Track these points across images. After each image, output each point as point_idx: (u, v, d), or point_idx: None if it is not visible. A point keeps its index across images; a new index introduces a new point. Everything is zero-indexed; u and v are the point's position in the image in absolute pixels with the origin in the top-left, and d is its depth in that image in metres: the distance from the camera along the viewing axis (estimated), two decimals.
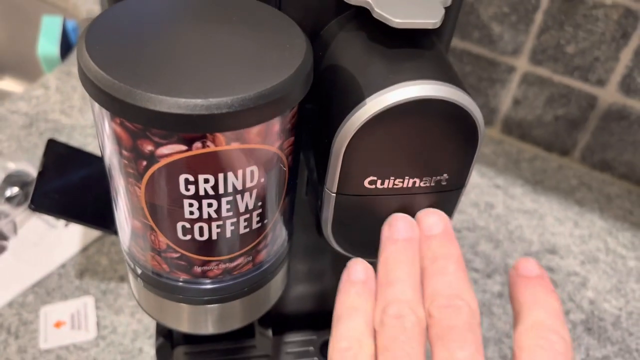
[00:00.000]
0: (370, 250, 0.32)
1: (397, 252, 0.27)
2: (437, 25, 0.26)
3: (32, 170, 0.63)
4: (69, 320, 0.51)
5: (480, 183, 0.70)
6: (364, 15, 0.28)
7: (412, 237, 0.28)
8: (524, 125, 0.75)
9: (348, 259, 0.44)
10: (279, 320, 0.48)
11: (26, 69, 1.06)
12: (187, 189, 0.24)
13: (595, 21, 0.64)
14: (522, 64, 0.70)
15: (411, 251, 0.27)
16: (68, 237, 0.58)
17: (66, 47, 0.85)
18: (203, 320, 0.31)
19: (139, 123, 0.22)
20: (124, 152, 0.24)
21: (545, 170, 0.74)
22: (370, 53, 0.28)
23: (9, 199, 0.59)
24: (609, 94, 0.68)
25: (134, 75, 0.22)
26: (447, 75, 0.26)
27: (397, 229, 0.28)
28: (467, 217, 0.66)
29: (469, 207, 0.67)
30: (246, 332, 0.46)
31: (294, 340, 0.49)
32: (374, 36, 0.28)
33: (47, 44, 0.82)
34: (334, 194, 0.29)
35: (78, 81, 0.79)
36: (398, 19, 0.25)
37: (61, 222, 0.59)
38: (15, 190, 0.59)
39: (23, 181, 0.60)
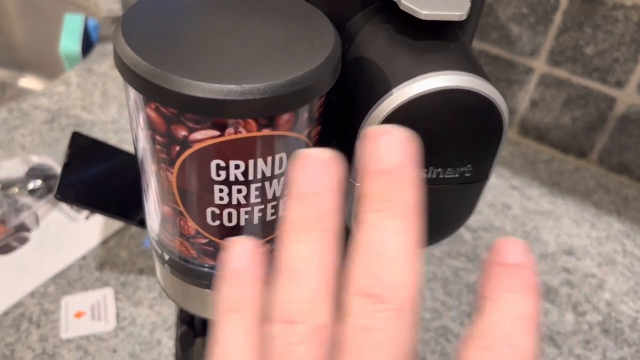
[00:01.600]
0: None
1: (302, 216, 0.19)
2: (464, 18, 0.26)
3: (54, 164, 0.64)
4: (89, 310, 0.52)
5: (496, 184, 0.70)
6: (390, 8, 0.29)
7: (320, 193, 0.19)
8: (541, 126, 0.75)
9: None
10: None
11: (47, 67, 1.08)
12: (218, 175, 0.24)
13: (615, 22, 0.64)
14: (540, 65, 0.71)
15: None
16: (88, 230, 0.59)
17: (87, 45, 0.86)
18: None
19: (174, 108, 0.22)
20: (158, 138, 0.24)
21: (562, 172, 0.73)
22: (396, 45, 0.28)
23: (32, 192, 0.60)
24: (628, 96, 0.67)
25: (170, 61, 0.22)
26: (472, 67, 0.27)
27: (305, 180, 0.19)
28: (484, 218, 0.66)
29: (486, 208, 0.67)
30: None
31: None
32: (399, 29, 0.29)
33: (69, 42, 0.83)
34: (358, 184, 0.29)
35: (99, 78, 0.81)
36: (425, 11, 0.26)
37: (82, 215, 0.60)
38: (38, 183, 0.60)
39: (45, 174, 0.61)
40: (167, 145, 0.24)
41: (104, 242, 0.58)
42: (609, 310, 0.57)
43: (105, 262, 0.57)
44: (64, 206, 0.61)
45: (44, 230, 0.59)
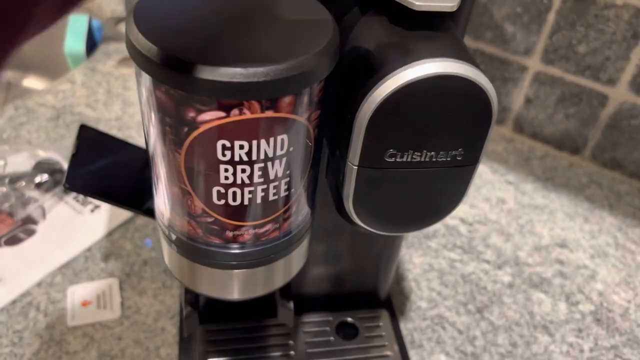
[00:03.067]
0: (390, 224, 0.34)
1: None
2: (455, 8, 0.28)
3: (60, 158, 0.66)
4: (95, 300, 0.54)
5: (492, 179, 0.72)
6: (385, 0, 0.30)
7: None
8: (535, 123, 0.77)
9: (364, 240, 0.47)
10: (298, 301, 0.50)
11: (50, 67, 1.10)
12: (224, 155, 0.26)
13: (607, 21, 0.65)
14: (534, 63, 0.72)
15: None
16: (94, 223, 0.61)
17: (91, 44, 0.88)
18: (231, 285, 0.33)
19: (184, 90, 0.24)
20: (167, 119, 0.26)
21: (556, 167, 0.75)
22: (391, 35, 0.30)
23: (39, 185, 0.61)
24: (620, 93, 0.69)
25: (179, 46, 0.24)
26: (462, 55, 0.28)
27: None
28: (479, 211, 0.67)
29: (481, 202, 0.69)
30: (267, 312, 0.48)
31: (312, 321, 0.50)
32: (394, 20, 0.31)
33: (74, 42, 0.85)
34: (356, 167, 0.31)
35: (103, 77, 0.82)
36: (419, 2, 0.28)
37: (87, 208, 0.62)
38: (44, 176, 0.62)
39: (52, 168, 0.63)
40: (176, 126, 0.26)
41: (109, 235, 0.60)
42: (601, 300, 0.59)
43: (110, 253, 0.58)
44: (70, 199, 0.62)
45: (50, 223, 0.60)
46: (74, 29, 0.87)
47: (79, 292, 0.54)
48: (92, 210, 0.62)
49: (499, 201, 0.69)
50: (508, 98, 0.77)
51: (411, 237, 0.63)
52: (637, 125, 0.70)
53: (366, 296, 0.52)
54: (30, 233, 0.59)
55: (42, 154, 0.65)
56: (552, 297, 0.58)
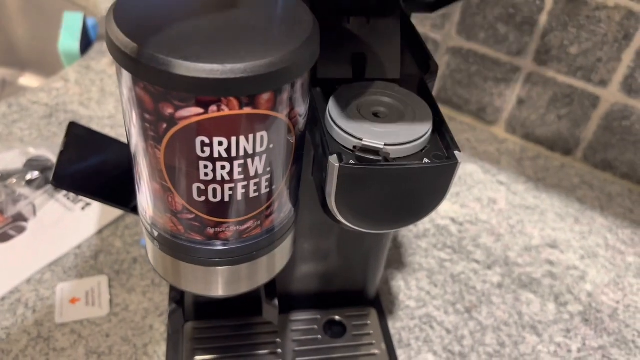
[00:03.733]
0: (373, 222, 0.34)
1: None
2: None
3: (52, 156, 0.66)
4: (83, 297, 0.54)
5: (483, 179, 0.72)
6: None
7: None
8: (527, 124, 0.77)
9: (352, 238, 0.47)
10: (286, 299, 0.50)
11: (46, 65, 1.10)
12: (203, 151, 0.26)
13: (598, 22, 0.66)
14: (527, 64, 0.72)
15: None
16: (84, 220, 0.61)
17: (86, 43, 0.88)
18: (214, 282, 0.34)
19: (161, 86, 0.24)
20: (146, 116, 0.26)
21: (548, 168, 0.75)
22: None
23: (29, 182, 0.61)
24: (611, 94, 0.69)
25: (157, 42, 0.24)
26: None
27: None
28: (470, 211, 0.67)
29: (472, 202, 0.69)
30: (253, 310, 0.48)
31: (300, 319, 0.51)
32: None
33: (68, 39, 0.85)
34: (338, 165, 0.31)
35: (97, 75, 0.83)
36: None
37: (78, 206, 0.62)
38: (35, 174, 0.62)
39: (43, 166, 0.63)
40: (155, 122, 0.26)
41: (99, 232, 0.60)
42: (590, 300, 0.59)
43: (100, 251, 0.58)
44: (61, 197, 0.63)
45: (40, 220, 0.60)
46: (68, 27, 0.87)
47: (67, 289, 0.54)
48: (83, 208, 0.62)
49: (490, 201, 0.69)
50: (501, 99, 0.77)
51: (401, 237, 0.63)
52: (629, 126, 0.70)
53: (355, 295, 0.52)
54: (21, 230, 0.59)
55: (33, 152, 0.65)
56: (541, 297, 0.58)
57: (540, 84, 0.73)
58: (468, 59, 0.76)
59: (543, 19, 0.68)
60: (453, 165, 0.31)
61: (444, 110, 0.81)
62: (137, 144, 0.28)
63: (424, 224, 0.65)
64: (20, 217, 0.60)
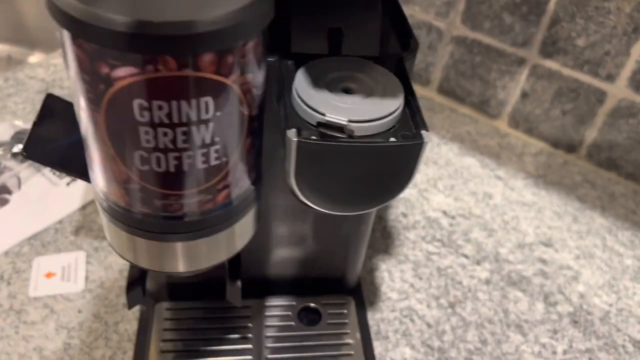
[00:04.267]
0: (336, 203, 0.33)
1: None
2: None
3: None
4: (59, 272, 0.53)
5: (480, 173, 0.70)
6: None
7: None
8: (531, 118, 0.74)
9: (329, 223, 0.45)
10: (261, 284, 0.49)
11: (55, 44, 1.09)
12: (142, 115, 0.25)
13: (607, 14, 0.63)
14: (532, 55, 0.70)
15: None
16: (69, 195, 0.60)
17: None
18: (168, 258, 0.32)
19: (95, 42, 0.23)
20: (84, 76, 0.25)
21: (550, 165, 0.73)
22: None
23: (15, 155, 0.61)
24: (619, 90, 0.66)
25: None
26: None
27: None
28: (463, 205, 0.65)
29: (467, 196, 0.67)
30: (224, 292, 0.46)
31: (274, 304, 0.49)
32: None
33: None
34: (296, 140, 0.29)
35: None
36: None
37: (63, 181, 0.61)
38: (21, 147, 0.61)
39: None
40: (93, 83, 0.25)
41: (82, 208, 0.59)
42: (581, 302, 0.56)
43: (81, 227, 0.58)
44: (47, 171, 0.62)
45: (25, 193, 0.60)
46: None
47: (44, 264, 0.54)
48: (68, 184, 0.61)
49: (486, 196, 0.67)
50: (505, 91, 0.74)
51: (389, 227, 0.61)
52: (636, 124, 0.67)
53: (333, 282, 0.51)
54: (4, 202, 0.58)
55: (21, 125, 0.64)
56: (530, 296, 0.56)
57: (545, 77, 0.70)
58: (472, 49, 0.74)
59: (550, 8, 0.66)
60: (418, 145, 0.30)
61: (446, 101, 0.78)
62: (80, 110, 0.27)
63: (414, 215, 0.63)
64: (4, 190, 0.59)
